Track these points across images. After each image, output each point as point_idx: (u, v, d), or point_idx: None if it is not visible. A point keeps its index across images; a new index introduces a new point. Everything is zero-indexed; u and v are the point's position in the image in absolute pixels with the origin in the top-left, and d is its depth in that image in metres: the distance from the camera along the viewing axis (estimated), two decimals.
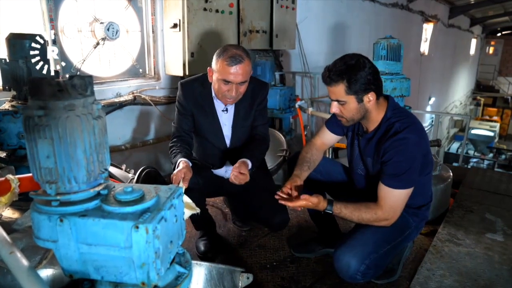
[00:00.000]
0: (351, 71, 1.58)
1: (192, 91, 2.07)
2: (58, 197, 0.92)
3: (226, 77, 1.87)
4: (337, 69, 1.61)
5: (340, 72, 1.60)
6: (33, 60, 1.98)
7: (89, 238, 0.91)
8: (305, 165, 1.91)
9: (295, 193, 1.76)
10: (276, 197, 1.72)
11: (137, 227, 0.86)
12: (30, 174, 1.36)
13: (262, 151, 2.18)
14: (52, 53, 2.61)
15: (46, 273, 1.45)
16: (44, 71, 2.04)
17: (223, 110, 2.11)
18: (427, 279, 1.91)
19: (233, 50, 1.88)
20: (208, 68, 1.99)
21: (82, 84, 0.95)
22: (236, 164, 1.91)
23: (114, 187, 1.05)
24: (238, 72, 1.87)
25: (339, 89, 1.62)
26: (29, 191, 0.96)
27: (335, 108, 1.70)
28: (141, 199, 0.96)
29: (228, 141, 2.17)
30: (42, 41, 2.01)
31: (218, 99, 2.06)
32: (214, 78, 1.95)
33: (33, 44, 1.97)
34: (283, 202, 1.69)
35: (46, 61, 2.04)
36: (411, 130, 1.60)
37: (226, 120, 2.13)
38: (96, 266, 0.94)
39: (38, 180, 0.92)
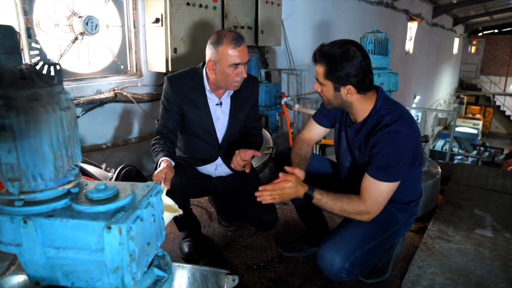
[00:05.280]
0: (333, 59, 1.55)
1: (181, 85, 1.98)
2: (22, 196, 0.84)
3: (235, 60, 1.82)
4: (324, 50, 1.58)
5: (324, 55, 1.57)
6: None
7: (57, 241, 0.84)
8: (303, 163, 1.83)
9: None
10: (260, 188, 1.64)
11: (109, 228, 0.79)
12: None
13: (258, 144, 2.14)
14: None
15: (16, 279, 1.35)
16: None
17: (217, 104, 2.03)
18: (419, 277, 1.86)
19: (231, 33, 1.83)
20: (207, 61, 1.89)
21: (48, 72, 0.87)
22: (236, 152, 1.90)
23: (86, 184, 0.97)
24: (244, 51, 1.84)
25: (320, 70, 1.61)
26: None
27: (317, 86, 1.68)
28: (115, 197, 0.88)
29: (220, 136, 2.09)
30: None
31: (212, 93, 1.99)
32: (217, 68, 1.86)
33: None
34: (261, 188, 1.61)
35: (19, 54, 1.94)
36: (402, 122, 1.55)
37: (220, 114, 2.05)
38: (65, 272, 0.87)
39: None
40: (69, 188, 0.90)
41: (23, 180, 0.84)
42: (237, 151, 1.91)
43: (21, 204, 0.84)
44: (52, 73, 0.88)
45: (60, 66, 0.89)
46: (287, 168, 1.66)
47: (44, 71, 0.87)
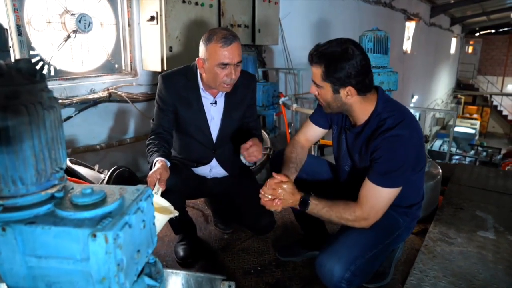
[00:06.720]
0: (332, 58, 1.47)
1: (174, 84, 1.92)
2: (1, 202, 0.78)
3: (223, 59, 1.74)
4: (321, 51, 1.50)
5: (322, 56, 1.49)
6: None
7: (39, 250, 0.78)
8: (291, 166, 1.76)
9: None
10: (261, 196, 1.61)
11: (95, 235, 0.73)
12: None
13: (258, 137, 2.05)
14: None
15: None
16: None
17: (211, 103, 1.97)
18: (420, 281, 1.81)
19: (222, 31, 1.76)
20: (197, 59, 1.84)
21: (29, 68, 0.82)
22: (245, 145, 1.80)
23: (72, 188, 0.91)
24: (234, 52, 1.75)
25: (317, 72, 1.52)
26: None
27: (313, 89, 1.61)
28: (102, 202, 0.82)
29: (214, 137, 2.03)
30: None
31: (206, 91, 1.93)
32: (206, 67, 1.80)
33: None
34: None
35: (8, 52, 1.87)
36: (404, 126, 1.48)
37: (215, 113, 1.99)
38: (48, 283, 0.81)
39: None
40: (53, 193, 0.84)
41: (1, 184, 0.78)
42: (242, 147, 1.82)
43: (0, 210, 0.78)
44: (34, 69, 0.82)
45: (43, 62, 0.84)
46: (274, 174, 1.59)
47: (25, 68, 0.81)
